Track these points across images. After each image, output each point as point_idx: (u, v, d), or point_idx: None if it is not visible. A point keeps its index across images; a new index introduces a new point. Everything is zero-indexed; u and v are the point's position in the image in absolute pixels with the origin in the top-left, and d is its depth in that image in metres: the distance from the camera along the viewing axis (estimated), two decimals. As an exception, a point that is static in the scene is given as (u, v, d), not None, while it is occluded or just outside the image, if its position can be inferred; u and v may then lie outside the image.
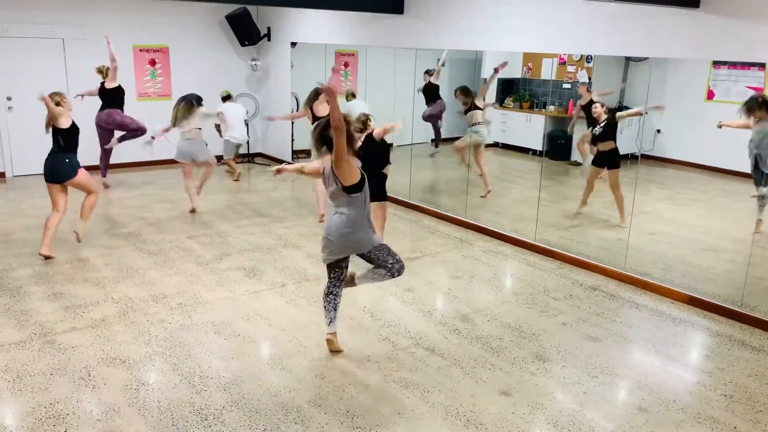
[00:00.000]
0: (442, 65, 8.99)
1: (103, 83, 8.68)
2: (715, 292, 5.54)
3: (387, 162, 6.06)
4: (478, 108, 8.23)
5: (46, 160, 6.19)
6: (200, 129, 7.73)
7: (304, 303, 5.34)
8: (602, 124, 7.05)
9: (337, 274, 4.39)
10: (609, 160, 7.11)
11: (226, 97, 9.80)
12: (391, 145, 9.55)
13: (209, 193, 8.74)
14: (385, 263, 4.31)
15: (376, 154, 5.76)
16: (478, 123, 8.26)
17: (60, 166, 6.13)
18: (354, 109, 9.33)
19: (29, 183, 9.29)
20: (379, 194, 5.82)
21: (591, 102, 7.42)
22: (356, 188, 4.11)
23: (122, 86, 8.72)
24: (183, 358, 4.38)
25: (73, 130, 6.18)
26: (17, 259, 6.16)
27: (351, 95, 9.84)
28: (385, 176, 6.03)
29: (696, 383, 4.27)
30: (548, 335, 4.88)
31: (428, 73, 9.17)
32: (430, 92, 9.26)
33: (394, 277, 4.36)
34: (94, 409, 3.74)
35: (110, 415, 3.70)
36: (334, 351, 4.45)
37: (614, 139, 7.02)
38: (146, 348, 4.50)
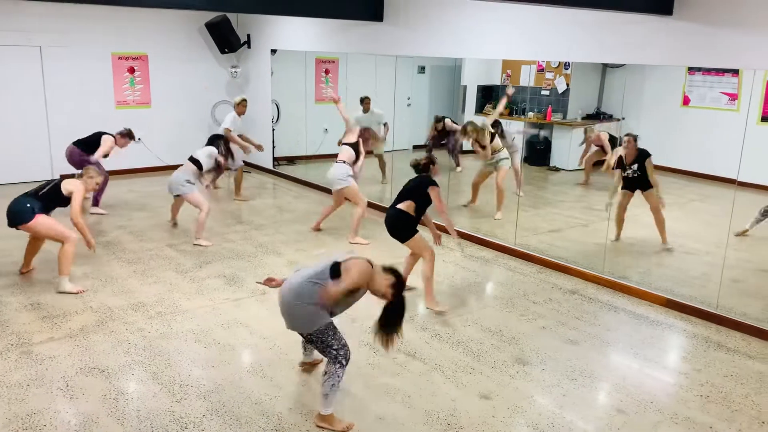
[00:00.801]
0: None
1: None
2: (691, 295, 5.62)
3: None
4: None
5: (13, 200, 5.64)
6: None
7: (285, 310, 5.32)
8: (634, 167, 6.47)
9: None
10: (640, 182, 6.51)
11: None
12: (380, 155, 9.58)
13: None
14: (328, 350, 3.68)
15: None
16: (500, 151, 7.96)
17: (18, 208, 5.54)
18: (369, 121, 9.15)
19: (5, 191, 9.14)
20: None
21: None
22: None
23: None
24: (162, 366, 4.35)
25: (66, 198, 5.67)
26: (-7, 269, 6.08)
27: (365, 101, 9.40)
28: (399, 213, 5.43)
29: (673, 384, 4.33)
30: (528, 339, 4.92)
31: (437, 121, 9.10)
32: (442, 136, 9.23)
33: (343, 367, 3.68)
34: (72, 420, 3.71)
35: (88, 425, 3.66)
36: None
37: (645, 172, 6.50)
38: (125, 357, 4.47)
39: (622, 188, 6.65)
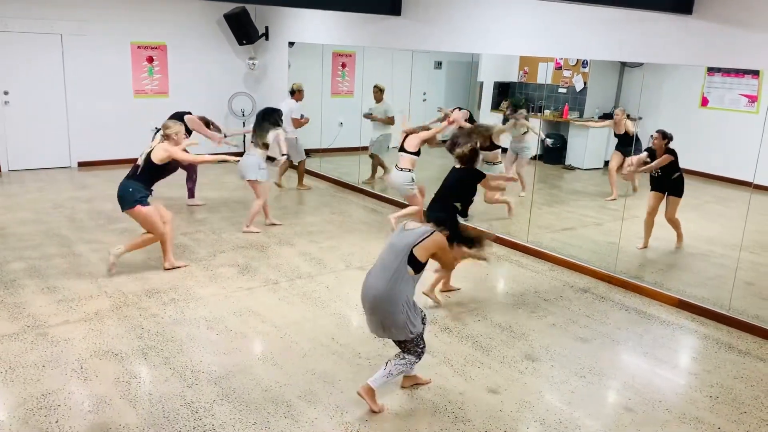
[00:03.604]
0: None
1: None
2: (704, 296, 5.59)
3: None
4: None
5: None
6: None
7: (296, 300, 5.37)
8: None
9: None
10: (672, 186, 6.42)
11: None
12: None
13: (203, 191, 8.77)
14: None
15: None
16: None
17: (121, 193, 5.69)
18: (380, 113, 9.19)
19: (25, 178, 9.30)
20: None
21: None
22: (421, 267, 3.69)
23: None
24: (175, 352, 4.41)
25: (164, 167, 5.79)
26: (12, 252, 6.18)
27: (380, 92, 9.32)
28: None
29: (682, 384, 4.32)
30: (538, 335, 4.93)
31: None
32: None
33: (419, 358, 3.85)
34: (86, 401, 3.77)
35: (101, 406, 3.72)
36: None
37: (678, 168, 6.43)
38: (138, 342, 4.53)
39: (651, 189, 6.56)
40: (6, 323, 4.71)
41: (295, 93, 9.24)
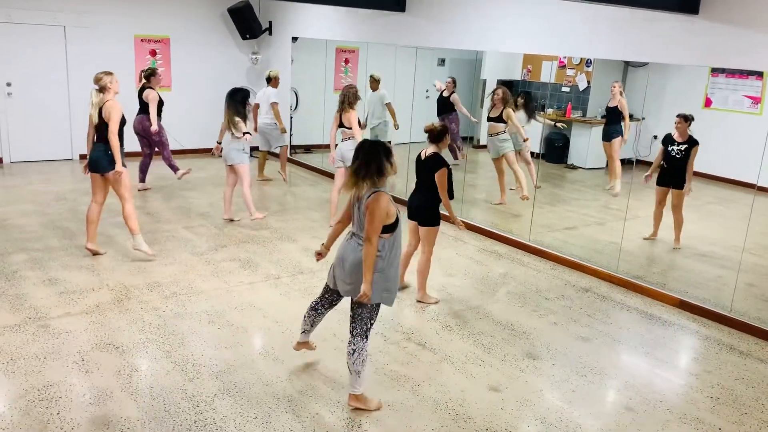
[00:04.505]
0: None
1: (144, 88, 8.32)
2: (705, 297, 5.59)
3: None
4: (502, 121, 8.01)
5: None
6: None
7: (298, 295, 5.37)
8: (682, 147, 6.44)
9: (332, 298, 4.04)
10: (675, 178, 6.50)
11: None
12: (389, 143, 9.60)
13: (208, 185, 8.77)
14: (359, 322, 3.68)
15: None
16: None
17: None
18: (375, 100, 9.29)
19: (27, 170, 9.29)
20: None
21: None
22: (390, 228, 3.63)
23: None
24: (176, 345, 4.41)
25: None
26: (13, 244, 6.18)
27: (375, 82, 9.37)
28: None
29: (683, 385, 4.32)
30: (539, 334, 4.93)
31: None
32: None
33: (367, 341, 3.72)
34: (87, 393, 3.77)
35: (102, 399, 3.73)
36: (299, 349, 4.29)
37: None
38: (140, 335, 4.53)
39: (657, 184, 6.64)
40: (7, 315, 4.71)
41: (272, 80, 9.23)
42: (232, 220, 7.31)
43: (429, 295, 5.46)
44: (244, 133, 7.03)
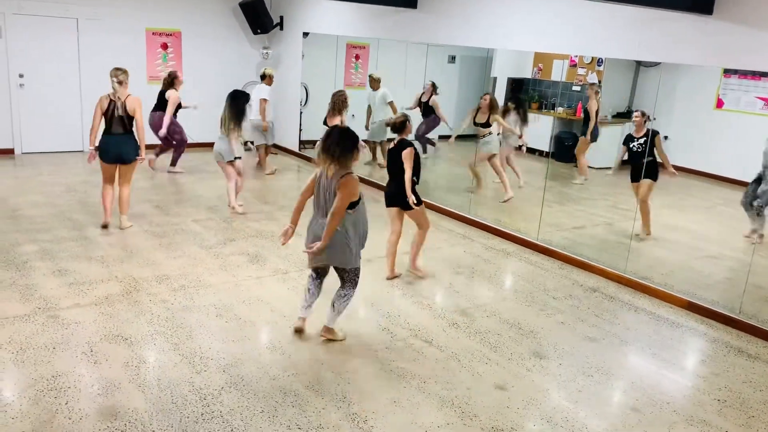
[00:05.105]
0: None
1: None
2: (714, 299, 5.57)
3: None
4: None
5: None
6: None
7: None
8: (641, 141, 6.66)
9: (318, 273, 4.64)
10: (640, 171, 6.67)
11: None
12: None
13: (216, 179, 8.79)
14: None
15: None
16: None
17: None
18: (377, 99, 9.34)
19: (38, 160, 9.35)
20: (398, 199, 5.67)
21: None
22: (354, 204, 4.31)
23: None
24: (184, 338, 4.43)
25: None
26: (24, 234, 6.22)
27: (375, 81, 9.56)
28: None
29: (690, 387, 4.31)
30: (546, 333, 4.92)
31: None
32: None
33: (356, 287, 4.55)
34: (95, 384, 3.80)
35: (110, 390, 3.75)
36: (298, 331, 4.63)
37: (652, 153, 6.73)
38: (148, 327, 4.56)
39: (631, 182, 6.86)
40: (18, 305, 4.75)
41: (266, 78, 9.46)
42: (239, 212, 7.38)
43: (419, 268, 5.88)
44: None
